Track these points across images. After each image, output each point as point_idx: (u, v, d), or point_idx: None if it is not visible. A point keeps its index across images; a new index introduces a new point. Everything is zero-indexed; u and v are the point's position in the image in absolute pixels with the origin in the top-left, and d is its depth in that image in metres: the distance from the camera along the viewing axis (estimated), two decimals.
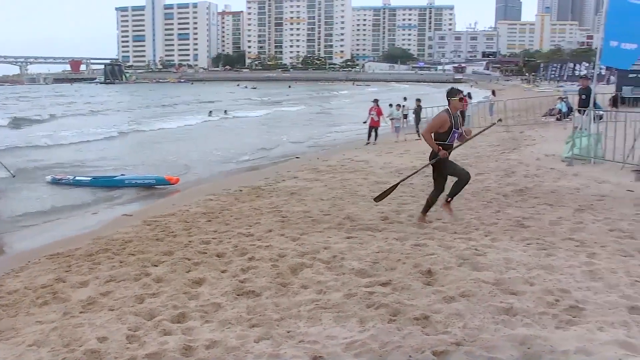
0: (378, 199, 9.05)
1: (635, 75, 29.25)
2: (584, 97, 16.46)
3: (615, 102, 25.06)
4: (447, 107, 8.34)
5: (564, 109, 25.52)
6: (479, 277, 5.71)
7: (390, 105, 24.82)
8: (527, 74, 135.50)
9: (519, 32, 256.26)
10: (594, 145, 13.17)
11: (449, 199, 8.45)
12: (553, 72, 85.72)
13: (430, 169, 8.64)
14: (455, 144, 8.49)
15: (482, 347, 4.24)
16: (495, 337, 4.39)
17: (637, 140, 11.61)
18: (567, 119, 22.97)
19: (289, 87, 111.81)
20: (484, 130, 9.62)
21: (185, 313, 5.23)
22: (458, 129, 8.27)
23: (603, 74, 43.15)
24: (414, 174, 9.60)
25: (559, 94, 33.63)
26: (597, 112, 15.38)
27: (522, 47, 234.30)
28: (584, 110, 14.45)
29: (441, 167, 8.36)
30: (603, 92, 25.89)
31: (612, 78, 39.90)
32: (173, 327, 4.93)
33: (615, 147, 12.32)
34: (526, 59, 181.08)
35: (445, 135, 8.19)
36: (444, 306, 5.04)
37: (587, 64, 62.40)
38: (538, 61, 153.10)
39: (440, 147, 8.16)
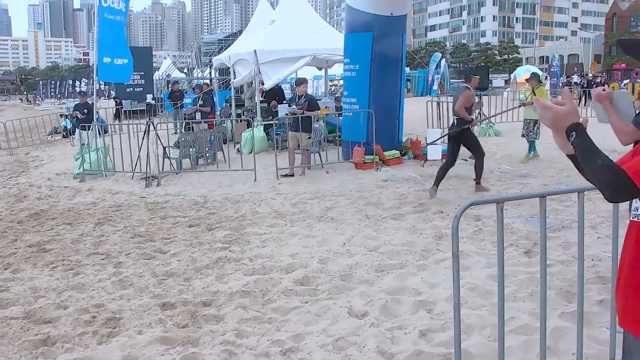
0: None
1: (132, 89, 31.27)
2: (85, 111, 16.70)
3: (118, 114, 26.34)
4: (467, 84, 9.66)
5: (69, 126, 25.44)
6: (6, 315, 5.27)
7: None
8: (26, 93, 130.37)
9: (11, 48, 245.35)
10: (103, 158, 13.52)
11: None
12: (53, 89, 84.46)
13: None
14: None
15: None
16: None
17: (141, 149, 12.39)
18: (74, 136, 22.97)
19: None
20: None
21: None
22: None
23: (103, 89, 44.58)
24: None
25: (62, 111, 33.32)
26: (101, 125, 15.84)
27: (17, 64, 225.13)
28: (88, 126, 14.63)
29: (464, 138, 9.52)
30: (105, 107, 26.83)
31: (112, 92, 41.62)
32: None
33: (123, 158, 12.95)
34: (23, 76, 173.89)
35: (470, 109, 9.58)
36: None
37: (87, 80, 63.55)
38: (37, 78, 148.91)
39: (472, 118, 9.61)
